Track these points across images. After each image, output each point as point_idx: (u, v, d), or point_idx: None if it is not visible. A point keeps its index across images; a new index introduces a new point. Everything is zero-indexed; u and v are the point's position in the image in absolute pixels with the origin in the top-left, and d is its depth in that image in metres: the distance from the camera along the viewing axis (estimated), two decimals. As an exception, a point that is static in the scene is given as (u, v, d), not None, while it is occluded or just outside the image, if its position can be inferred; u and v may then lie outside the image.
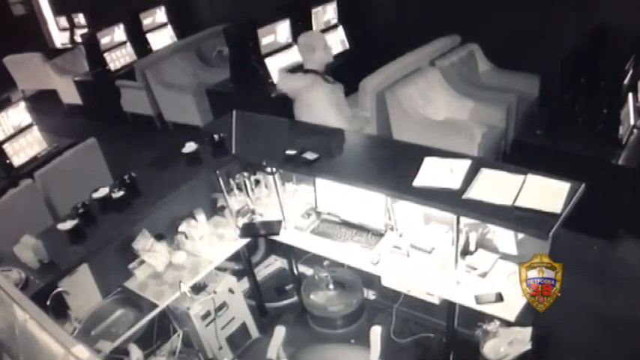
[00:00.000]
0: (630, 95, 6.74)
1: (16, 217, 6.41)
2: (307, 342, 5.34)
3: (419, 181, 4.66)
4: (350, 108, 6.68)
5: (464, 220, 4.58)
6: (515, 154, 7.55)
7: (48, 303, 4.41)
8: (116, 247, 5.18)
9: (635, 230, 6.70)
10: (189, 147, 5.59)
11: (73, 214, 4.99)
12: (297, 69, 6.41)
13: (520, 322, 4.44)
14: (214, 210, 5.97)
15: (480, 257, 4.79)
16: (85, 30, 14.07)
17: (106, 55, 12.17)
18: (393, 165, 5.09)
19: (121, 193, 5.14)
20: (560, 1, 8.51)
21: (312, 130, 6.03)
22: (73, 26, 15.05)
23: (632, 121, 6.81)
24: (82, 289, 4.88)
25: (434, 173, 4.70)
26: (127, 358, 4.88)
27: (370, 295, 6.13)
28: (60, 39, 15.83)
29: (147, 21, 12.97)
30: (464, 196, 4.42)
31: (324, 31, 10.46)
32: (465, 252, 4.80)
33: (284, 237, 5.56)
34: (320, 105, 6.18)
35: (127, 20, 12.62)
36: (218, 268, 5.68)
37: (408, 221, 5.22)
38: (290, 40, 9.86)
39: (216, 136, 5.63)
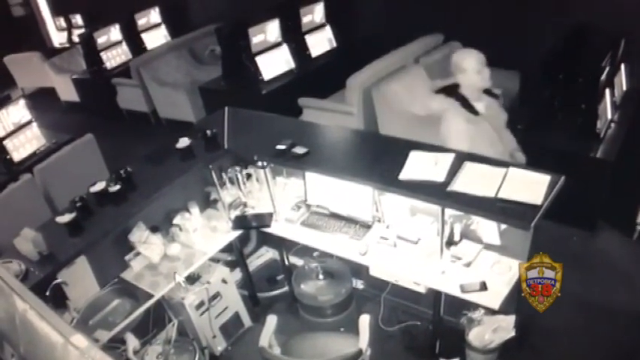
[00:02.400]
0: (607, 91, 6.72)
1: (16, 210, 6.36)
2: (298, 330, 5.30)
3: (405, 174, 4.65)
4: (504, 144, 5.47)
5: (448, 211, 4.59)
6: (497, 147, 7.55)
7: (47, 294, 4.40)
8: (113, 239, 5.16)
9: (614, 221, 6.71)
10: (183, 142, 5.56)
11: (71, 207, 4.97)
12: (449, 88, 5.46)
13: (504, 310, 4.45)
14: (207, 203, 5.94)
15: (464, 247, 4.78)
16: (82, 30, 13.97)
17: (102, 54, 12.11)
18: (379, 159, 5.07)
19: (118, 187, 5.11)
20: (540, 0, 8.49)
21: (301, 125, 5.99)
22: (70, 26, 14.95)
23: (609, 116, 6.81)
24: (80, 280, 4.86)
25: (419, 166, 4.69)
26: (124, 346, 4.88)
27: (359, 284, 6.12)
28: (58, 39, 15.72)
29: (141, 21, 12.90)
30: (448, 189, 4.42)
31: (312, 30, 10.48)
32: (450, 242, 4.80)
33: (275, 229, 5.55)
34: (451, 136, 5.29)
35: (122, 20, 12.55)
36: (211, 259, 5.67)
37: (394, 213, 5.20)
38: (279, 39, 9.85)
39: (208, 132, 5.59)
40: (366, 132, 7.99)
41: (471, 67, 5.15)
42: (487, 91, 5.43)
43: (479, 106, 5.23)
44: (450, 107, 5.20)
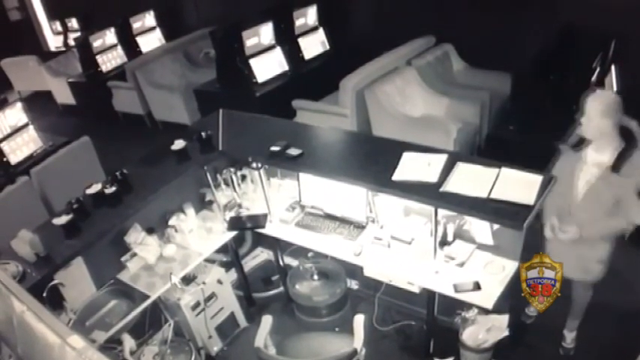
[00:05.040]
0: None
1: (14, 212, 6.35)
2: (293, 330, 5.29)
3: (398, 175, 4.63)
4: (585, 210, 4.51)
5: (442, 212, 4.57)
6: (490, 148, 7.56)
7: (44, 295, 4.36)
8: (109, 240, 5.13)
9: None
10: (178, 144, 5.54)
11: (67, 209, 4.94)
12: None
13: (497, 309, 4.44)
14: (203, 204, 5.92)
15: (457, 247, 4.77)
16: (78, 34, 13.96)
17: (98, 57, 12.12)
18: (373, 160, 5.05)
19: (114, 188, 5.09)
20: (531, 2, 8.49)
21: (295, 127, 5.98)
22: (66, 30, 14.96)
23: (600, 117, 6.80)
24: (76, 281, 4.85)
25: (412, 167, 4.68)
26: (121, 347, 4.86)
27: (353, 284, 6.13)
28: (54, 42, 15.75)
29: (137, 25, 12.93)
30: (441, 189, 4.40)
31: (305, 33, 10.52)
32: (443, 242, 4.78)
33: (270, 230, 5.54)
34: (557, 172, 4.60)
35: (117, 24, 12.56)
36: (207, 260, 5.65)
37: (388, 213, 5.20)
38: (273, 42, 9.88)
39: (203, 134, 5.58)
40: (359, 133, 7.98)
41: (586, 112, 4.26)
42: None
43: (592, 155, 4.41)
44: (566, 147, 4.61)
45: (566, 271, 4.32)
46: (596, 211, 4.42)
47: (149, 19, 13.18)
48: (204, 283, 5.48)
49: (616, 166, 4.22)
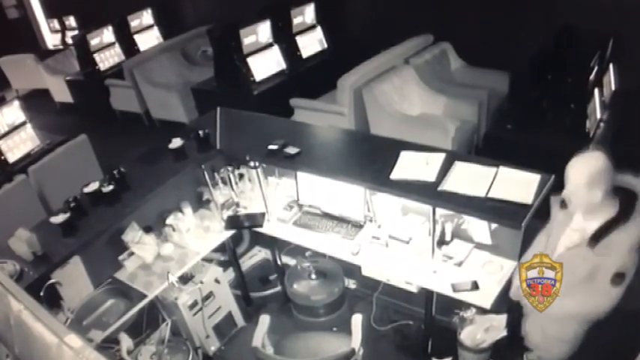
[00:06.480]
0: (596, 90, 6.72)
1: (11, 211, 6.33)
2: (291, 330, 5.28)
3: (396, 173, 4.64)
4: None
5: (440, 211, 4.58)
6: (488, 147, 7.54)
7: (42, 294, 4.36)
8: (106, 239, 5.13)
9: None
10: (176, 143, 5.53)
11: (65, 207, 4.95)
12: None
13: (496, 309, 4.42)
14: (200, 203, 5.91)
15: (455, 247, 4.78)
16: (76, 32, 13.96)
17: (95, 55, 12.08)
18: (371, 159, 5.05)
19: (111, 187, 5.08)
20: (529, 1, 8.48)
21: (293, 125, 5.96)
22: (64, 28, 14.94)
23: (598, 115, 6.81)
24: (74, 280, 4.84)
25: (410, 166, 4.69)
26: (118, 346, 4.84)
27: (351, 284, 6.13)
28: (52, 41, 15.71)
29: (134, 23, 12.89)
30: (439, 188, 4.41)
31: (303, 31, 10.52)
32: (442, 242, 4.78)
33: (267, 229, 5.53)
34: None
35: (115, 22, 12.53)
36: (204, 259, 5.64)
37: (386, 213, 5.18)
38: (271, 40, 9.86)
39: (201, 132, 5.56)
40: (357, 132, 7.98)
41: (568, 180, 3.60)
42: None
43: (578, 219, 3.71)
44: (556, 201, 3.93)
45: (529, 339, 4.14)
46: (568, 282, 3.80)
47: (147, 17, 13.14)
48: (201, 282, 5.46)
49: (592, 241, 3.59)
